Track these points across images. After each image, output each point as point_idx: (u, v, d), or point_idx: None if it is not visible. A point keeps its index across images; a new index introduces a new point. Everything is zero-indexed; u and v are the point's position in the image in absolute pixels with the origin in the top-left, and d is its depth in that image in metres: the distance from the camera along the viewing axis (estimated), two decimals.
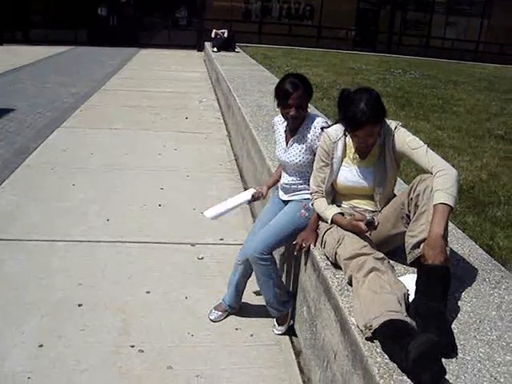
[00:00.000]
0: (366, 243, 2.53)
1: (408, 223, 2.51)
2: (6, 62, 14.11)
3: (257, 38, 22.96)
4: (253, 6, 24.81)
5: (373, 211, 2.77)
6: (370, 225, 2.56)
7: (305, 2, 24.88)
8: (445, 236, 2.27)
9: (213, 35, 16.87)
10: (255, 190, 3.37)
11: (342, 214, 2.73)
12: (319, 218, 2.87)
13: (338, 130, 2.79)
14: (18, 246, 4.02)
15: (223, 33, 16.92)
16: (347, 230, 2.62)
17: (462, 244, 3.00)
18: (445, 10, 25.85)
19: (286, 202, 3.22)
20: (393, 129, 2.64)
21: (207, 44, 17.90)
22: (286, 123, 3.17)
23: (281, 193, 3.27)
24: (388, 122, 2.67)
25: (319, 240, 2.82)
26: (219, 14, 22.46)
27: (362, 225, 2.56)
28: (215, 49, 16.07)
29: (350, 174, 2.76)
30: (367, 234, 2.63)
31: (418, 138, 2.61)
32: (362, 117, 2.50)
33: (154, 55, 17.80)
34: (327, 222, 2.76)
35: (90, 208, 4.80)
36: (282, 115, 3.05)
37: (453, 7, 25.93)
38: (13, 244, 4.05)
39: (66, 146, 6.36)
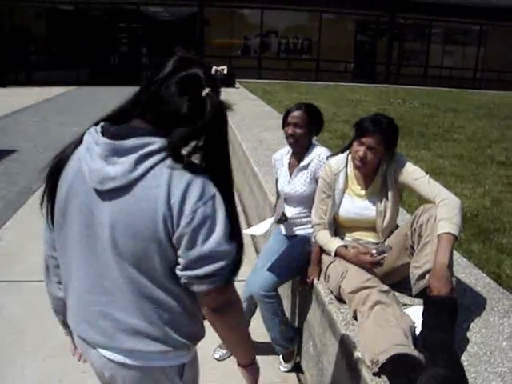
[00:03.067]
0: (370, 276, 2.49)
1: (412, 254, 2.48)
2: (9, 104, 14.27)
3: (256, 74, 23.25)
4: (252, 42, 25.17)
5: (376, 243, 2.73)
6: (382, 254, 2.51)
7: (303, 36, 25.24)
8: (450, 266, 2.23)
9: (213, 72, 16.94)
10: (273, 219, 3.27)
11: (346, 246, 2.69)
12: (321, 251, 2.83)
13: (339, 160, 2.78)
14: (19, 287, 3.98)
15: (223, 69, 17.11)
16: (352, 263, 2.58)
17: (468, 273, 2.95)
18: (441, 39, 26.17)
19: (288, 237, 3.18)
20: (395, 159, 2.63)
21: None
22: (289, 154, 3.16)
23: (283, 228, 3.24)
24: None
25: (322, 274, 2.78)
26: (218, 51, 22.82)
27: (368, 257, 2.52)
28: None
29: (351, 206, 2.73)
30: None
31: (419, 168, 2.60)
32: (375, 124, 2.54)
33: None
34: (330, 255, 2.72)
35: None
36: (286, 137, 3.05)
37: (449, 36, 26.29)
38: (14, 285, 4.01)
39: None
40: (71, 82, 20.71)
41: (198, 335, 1.47)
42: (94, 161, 1.28)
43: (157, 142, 1.25)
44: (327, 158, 2.96)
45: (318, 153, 3.02)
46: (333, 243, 2.71)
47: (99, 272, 1.34)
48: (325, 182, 2.79)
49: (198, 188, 1.25)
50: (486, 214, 4.67)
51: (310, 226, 3.01)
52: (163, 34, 22.92)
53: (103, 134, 1.31)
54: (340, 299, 2.55)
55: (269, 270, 2.95)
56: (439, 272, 2.18)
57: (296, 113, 2.98)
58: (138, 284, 1.31)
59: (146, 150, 1.24)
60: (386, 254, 2.49)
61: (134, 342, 1.35)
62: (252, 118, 9.30)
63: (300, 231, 3.11)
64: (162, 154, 1.25)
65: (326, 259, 2.78)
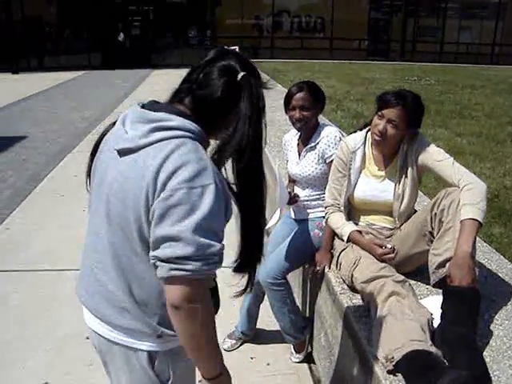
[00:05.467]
0: (385, 264, 2.35)
1: (431, 241, 2.32)
2: (20, 90, 14.23)
3: (269, 53, 22.95)
4: (264, 22, 24.87)
5: (391, 229, 2.58)
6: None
7: (316, 14, 24.86)
8: (473, 254, 2.07)
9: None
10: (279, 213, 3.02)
11: (360, 232, 2.54)
12: (333, 235, 2.69)
13: (357, 138, 2.62)
14: (24, 276, 3.91)
15: (234, 49, 16.84)
16: (364, 250, 2.44)
17: (489, 258, 2.78)
18: (458, 14, 25.58)
19: (298, 222, 3.04)
20: (416, 140, 2.46)
21: None
22: (298, 135, 3.01)
23: (292, 212, 3.10)
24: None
25: (334, 261, 2.64)
26: (231, 31, 22.54)
27: (380, 249, 2.39)
28: None
29: (368, 187, 2.57)
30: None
31: (442, 150, 2.43)
32: (398, 96, 2.36)
33: (168, 75, 17.81)
34: (343, 240, 2.58)
35: None
36: (291, 122, 2.88)
37: (466, 11, 25.63)
38: (20, 275, 3.93)
39: (76, 172, 6.27)
40: (83, 67, 20.61)
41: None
42: (122, 123, 1.34)
43: (175, 120, 1.27)
44: (340, 138, 2.80)
45: (327, 132, 2.85)
46: (346, 227, 2.57)
47: (96, 230, 1.38)
48: (340, 161, 2.63)
49: (191, 171, 1.19)
50: (507, 195, 4.47)
51: (320, 209, 2.88)
52: (175, 15, 22.65)
53: (143, 106, 1.36)
54: (353, 288, 2.41)
55: (277, 255, 2.83)
56: (461, 260, 2.02)
57: (300, 94, 2.79)
58: (118, 251, 1.31)
59: (164, 123, 1.26)
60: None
61: (107, 307, 1.37)
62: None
63: (310, 215, 2.97)
64: (176, 132, 1.25)
65: (338, 245, 2.64)
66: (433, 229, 2.31)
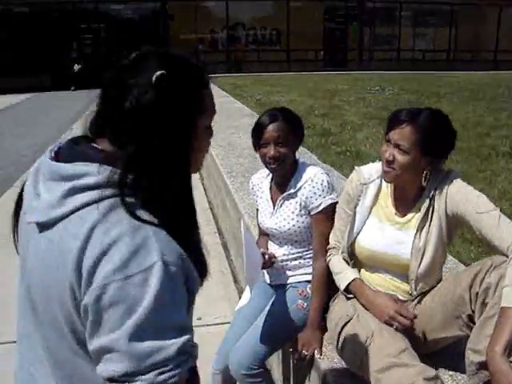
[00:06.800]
0: (406, 345, 1.70)
1: (468, 327, 1.68)
2: None
3: (225, 67, 22.51)
4: (219, 35, 24.53)
5: (404, 300, 1.93)
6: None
7: (271, 26, 24.71)
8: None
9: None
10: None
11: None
12: (325, 304, 2.08)
13: (372, 169, 1.99)
14: None
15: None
16: (370, 309, 1.86)
17: None
18: (412, 21, 26.01)
19: (275, 288, 2.35)
20: (448, 180, 1.82)
21: None
22: (270, 177, 2.34)
23: (267, 275, 2.41)
24: (444, 168, 1.88)
25: (334, 339, 1.95)
26: (185, 46, 22.09)
27: (394, 305, 1.82)
28: None
29: (379, 234, 1.93)
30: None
31: (485, 198, 1.77)
32: (408, 113, 1.81)
33: None
34: (346, 295, 1.98)
35: None
36: (263, 162, 2.21)
37: (420, 18, 26.08)
38: None
39: None
40: (32, 89, 19.64)
41: None
42: (34, 181, 1.05)
43: (96, 173, 0.96)
44: (328, 182, 2.15)
45: (311, 175, 2.18)
46: (351, 273, 1.98)
47: (23, 322, 1.11)
48: (347, 195, 2.03)
49: (124, 251, 0.90)
50: None
51: (303, 271, 2.25)
52: (127, 32, 22.12)
53: (58, 152, 1.06)
54: (364, 381, 1.74)
55: (250, 337, 2.16)
56: (491, 367, 1.46)
57: (274, 126, 2.10)
58: (52, 348, 1.04)
59: (82, 181, 0.96)
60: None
61: None
62: (221, 116, 8.36)
63: (290, 279, 2.30)
64: (98, 192, 0.94)
65: (337, 315, 1.97)
66: (473, 312, 1.66)
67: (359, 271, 2.05)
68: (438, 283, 1.91)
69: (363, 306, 1.93)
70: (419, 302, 1.90)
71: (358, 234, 1.98)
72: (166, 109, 0.96)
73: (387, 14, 26.30)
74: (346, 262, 2.05)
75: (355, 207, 1.99)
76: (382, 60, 24.86)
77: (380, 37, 26.24)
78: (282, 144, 2.10)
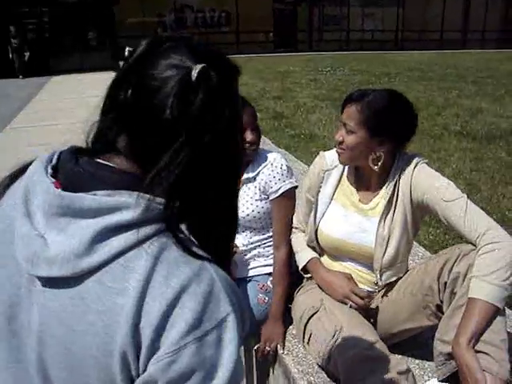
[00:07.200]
0: (376, 338, 1.64)
1: (435, 316, 1.65)
2: None
3: None
4: (166, 19, 23.99)
5: (371, 291, 1.89)
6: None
7: (220, 8, 24.29)
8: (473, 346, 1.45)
9: (126, 54, 15.75)
10: None
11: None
12: (287, 296, 2.03)
13: (336, 154, 1.89)
14: None
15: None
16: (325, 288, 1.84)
17: None
18: (360, 2, 26.06)
19: (236, 281, 2.27)
20: (412, 166, 1.74)
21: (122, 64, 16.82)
22: None
23: None
24: (408, 153, 1.81)
25: (300, 332, 1.88)
26: (132, 31, 21.47)
27: (358, 300, 1.75)
28: None
29: (341, 223, 1.85)
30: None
31: (453, 184, 1.68)
32: (354, 94, 1.77)
33: (67, 81, 16.49)
34: (302, 274, 1.99)
35: None
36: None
37: None
38: None
39: None
40: None
41: None
42: (27, 219, 0.75)
43: (131, 206, 0.72)
44: (287, 167, 2.10)
45: (270, 159, 2.12)
46: (308, 252, 1.94)
47: None
48: (308, 180, 1.97)
49: (194, 304, 0.71)
50: None
51: (263, 262, 2.18)
52: (71, 16, 21.27)
53: (55, 173, 0.78)
54: (330, 374, 1.69)
55: None
56: (457, 359, 1.45)
57: (250, 109, 2.05)
58: None
59: (116, 218, 0.71)
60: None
61: None
62: None
63: (251, 272, 2.22)
64: (141, 231, 0.71)
65: (302, 307, 1.89)
66: (442, 302, 1.62)
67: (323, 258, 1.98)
68: (405, 273, 1.84)
69: (318, 285, 1.89)
70: (386, 293, 1.85)
71: (320, 221, 1.91)
72: (214, 114, 0.76)
73: None
74: (314, 249, 1.99)
75: (317, 194, 1.92)
76: (332, 41, 24.80)
77: (329, 17, 26.23)
78: (256, 129, 2.10)
